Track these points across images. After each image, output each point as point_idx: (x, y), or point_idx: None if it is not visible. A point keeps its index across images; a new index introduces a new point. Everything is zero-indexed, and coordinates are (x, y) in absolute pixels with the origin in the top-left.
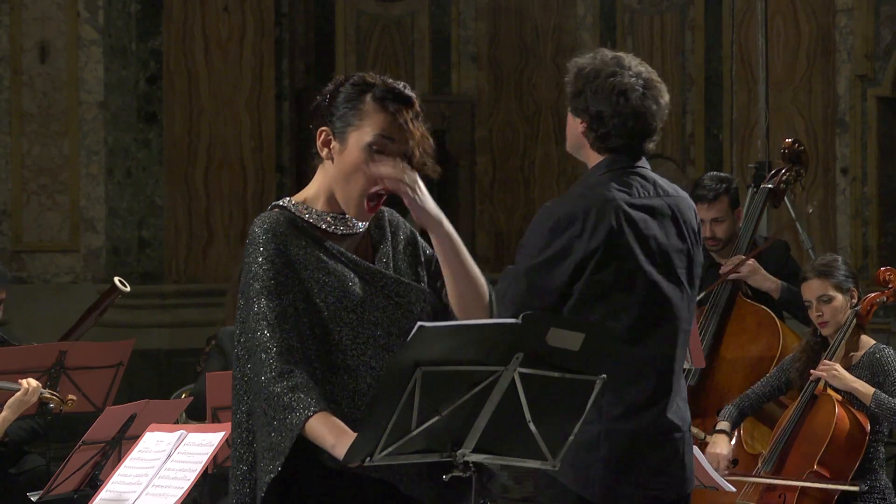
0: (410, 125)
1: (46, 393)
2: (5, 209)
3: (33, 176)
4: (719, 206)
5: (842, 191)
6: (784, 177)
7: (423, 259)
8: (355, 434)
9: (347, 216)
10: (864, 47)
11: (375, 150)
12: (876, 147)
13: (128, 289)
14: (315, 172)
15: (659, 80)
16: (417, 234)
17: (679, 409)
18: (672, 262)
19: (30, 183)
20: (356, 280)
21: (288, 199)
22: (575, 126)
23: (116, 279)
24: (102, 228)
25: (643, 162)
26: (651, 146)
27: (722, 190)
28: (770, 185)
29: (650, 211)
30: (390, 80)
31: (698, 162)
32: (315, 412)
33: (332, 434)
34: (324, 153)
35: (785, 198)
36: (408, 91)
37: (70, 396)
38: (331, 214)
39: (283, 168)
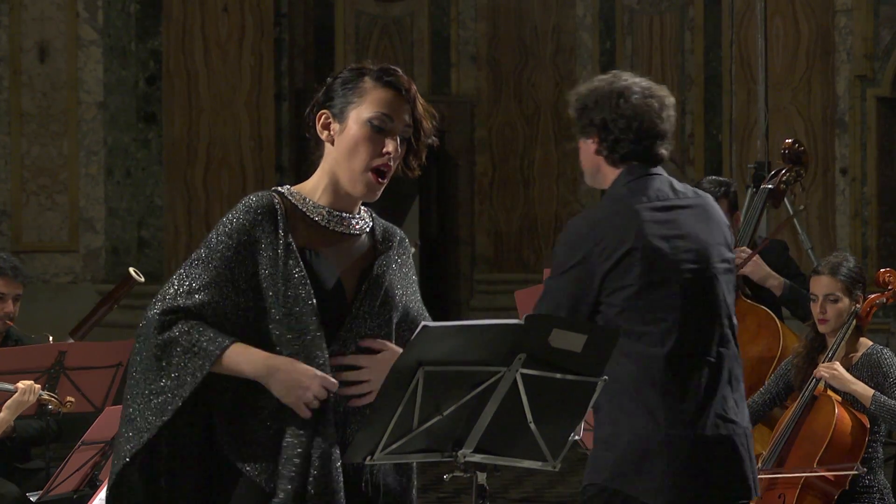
0: (412, 103)
1: (45, 395)
2: (5, 209)
3: (32, 176)
4: None
5: (841, 191)
6: (784, 177)
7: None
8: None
9: (346, 215)
10: (864, 47)
11: (376, 125)
12: (875, 147)
13: (142, 279)
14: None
15: (659, 86)
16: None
17: (735, 406)
18: (709, 257)
19: (29, 183)
20: (308, 287)
21: (288, 186)
22: (587, 149)
23: (131, 269)
24: (102, 228)
25: (659, 169)
26: (664, 151)
27: (720, 193)
28: (770, 186)
29: (675, 212)
30: (390, 66)
31: (698, 162)
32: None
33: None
34: (324, 136)
35: (785, 198)
36: (400, 73)
37: (69, 398)
38: (327, 209)
39: (282, 168)
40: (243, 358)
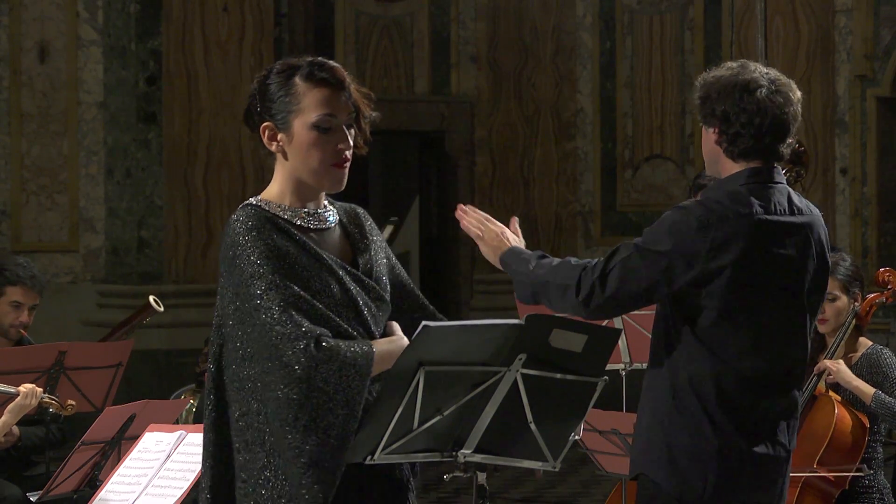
0: (349, 91)
1: (46, 398)
2: (4, 209)
3: (33, 176)
4: None
5: (841, 191)
6: (784, 177)
7: (392, 276)
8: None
9: (320, 211)
10: (864, 47)
11: (323, 128)
12: (875, 147)
13: (161, 308)
14: (273, 170)
15: (787, 79)
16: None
17: (790, 427)
18: (802, 283)
19: (29, 183)
20: (345, 279)
21: (256, 198)
22: (708, 138)
23: (151, 298)
24: (102, 229)
25: (779, 175)
26: (786, 151)
27: None
28: None
29: (787, 229)
30: (312, 58)
31: (697, 162)
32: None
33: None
34: (273, 147)
35: None
36: (331, 62)
37: (69, 402)
38: (303, 210)
39: None
40: (380, 357)
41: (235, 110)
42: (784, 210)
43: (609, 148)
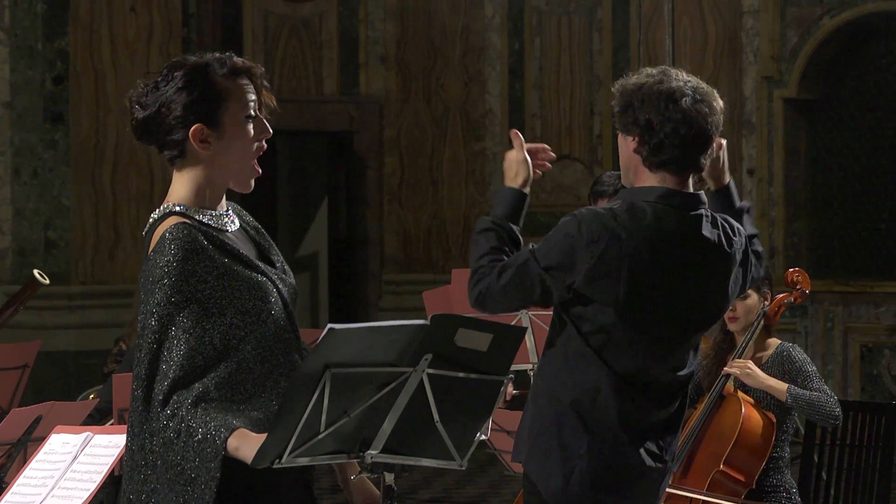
0: (263, 85)
1: None
2: None
3: None
4: None
5: (748, 192)
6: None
7: None
8: (258, 435)
9: (228, 212)
10: (771, 49)
11: (252, 116)
12: (782, 148)
13: (47, 281)
14: (174, 176)
15: (709, 87)
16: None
17: (669, 440)
18: (702, 309)
19: None
20: (277, 282)
21: (173, 204)
22: (626, 146)
23: (36, 272)
24: (8, 229)
25: (695, 201)
26: (706, 161)
27: (620, 186)
28: None
29: (685, 260)
30: (212, 53)
31: (606, 163)
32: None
33: (236, 438)
34: (203, 147)
35: None
36: (237, 58)
37: None
38: (217, 213)
39: None
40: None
41: None
42: (689, 239)
43: None
